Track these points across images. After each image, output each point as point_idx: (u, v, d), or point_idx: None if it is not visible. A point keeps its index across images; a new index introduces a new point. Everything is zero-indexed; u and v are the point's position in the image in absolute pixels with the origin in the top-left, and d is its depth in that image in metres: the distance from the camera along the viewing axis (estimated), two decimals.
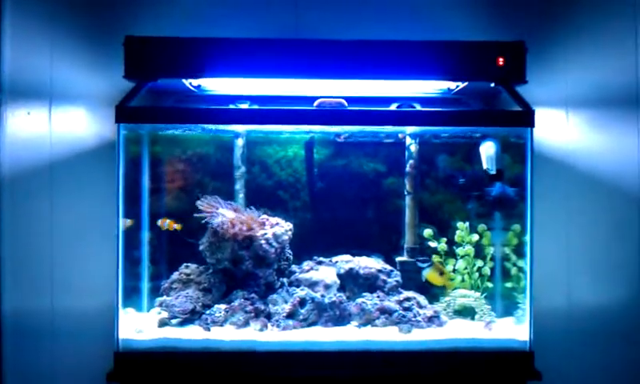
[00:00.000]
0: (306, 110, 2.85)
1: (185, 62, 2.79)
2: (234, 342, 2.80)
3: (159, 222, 3.16)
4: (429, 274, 3.19)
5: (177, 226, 3.15)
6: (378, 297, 3.07)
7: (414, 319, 2.96)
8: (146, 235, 3.20)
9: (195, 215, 3.07)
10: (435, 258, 3.24)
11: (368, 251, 3.31)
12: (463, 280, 3.21)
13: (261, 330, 2.89)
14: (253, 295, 3.02)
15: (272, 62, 2.81)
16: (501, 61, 2.80)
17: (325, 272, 3.19)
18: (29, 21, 3.22)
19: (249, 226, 3.05)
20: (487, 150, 3.04)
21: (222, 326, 2.91)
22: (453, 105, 3.23)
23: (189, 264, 3.19)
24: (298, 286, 3.11)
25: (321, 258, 3.29)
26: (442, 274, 3.20)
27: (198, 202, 3.09)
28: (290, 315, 2.94)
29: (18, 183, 3.21)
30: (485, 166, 3.04)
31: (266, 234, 3.09)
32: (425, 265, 3.20)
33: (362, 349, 2.79)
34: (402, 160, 3.37)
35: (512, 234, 3.15)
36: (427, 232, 3.29)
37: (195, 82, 3.00)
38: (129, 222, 2.99)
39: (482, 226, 3.22)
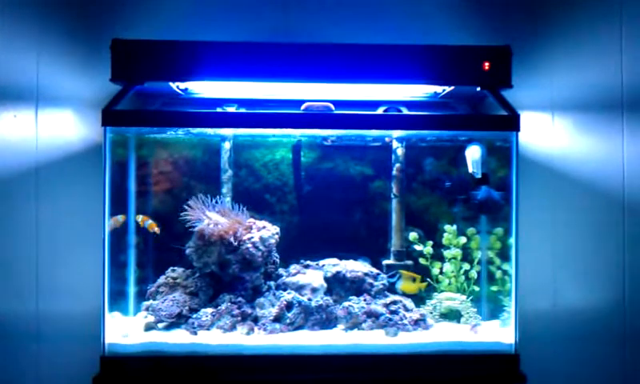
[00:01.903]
0: (293, 114, 2.85)
1: (172, 65, 2.79)
2: (220, 346, 2.79)
3: (140, 219, 3.14)
4: (402, 286, 3.20)
5: (156, 229, 3.13)
6: (365, 300, 3.08)
7: (400, 322, 2.97)
8: (132, 239, 3.19)
9: (182, 218, 3.07)
10: (403, 270, 3.28)
11: (355, 254, 3.32)
12: (450, 283, 3.22)
13: (248, 333, 2.88)
14: (240, 299, 3.02)
15: (259, 66, 2.81)
16: (487, 65, 2.82)
17: (312, 275, 3.19)
18: (15, 23, 3.20)
19: (234, 230, 3.05)
20: (473, 154, 3.05)
21: (208, 329, 2.90)
22: (439, 108, 3.24)
23: (175, 268, 3.19)
24: (285, 290, 3.11)
25: (308, 262, 3.29)
26: (414, 280, 3.21)
27: (185, 207, 3.09)
28: (277, 319, 2.94)
29: (3, 186, 3.19)
30: (470, 170, 3.06)
31: (252, 237, 3.09)
32: (394, 279, 3.21)
33: (348, 352, 2.80)
34: (389, 163, 3.38)
35: (496, 238, 3.17)
36: (413, 235, 3.30)
37: (182, 85, 3.00)
38: (121, 218, 2.99)
39: (471, 230, 3.23)
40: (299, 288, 3.13)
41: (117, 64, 2.76)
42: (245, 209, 3.18)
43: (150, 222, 3.14)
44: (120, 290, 3.09)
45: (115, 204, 2.86)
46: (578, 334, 3.36)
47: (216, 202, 3.14)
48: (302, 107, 2.96)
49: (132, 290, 3.17)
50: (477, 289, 3.21)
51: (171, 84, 2.94)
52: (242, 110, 3.15)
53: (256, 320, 2.97)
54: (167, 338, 2.85)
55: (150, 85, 2.84)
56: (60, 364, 3.22)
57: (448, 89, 3.01)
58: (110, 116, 2.73)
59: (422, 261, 3.28)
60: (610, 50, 3.37)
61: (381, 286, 3.17)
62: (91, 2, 3.25)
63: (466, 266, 3.23)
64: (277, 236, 3.17)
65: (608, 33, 3.37)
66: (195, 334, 2.87)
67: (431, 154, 3.38)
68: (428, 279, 3.25)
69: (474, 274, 3.21)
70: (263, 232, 3.13)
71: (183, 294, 3.05)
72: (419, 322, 3.00)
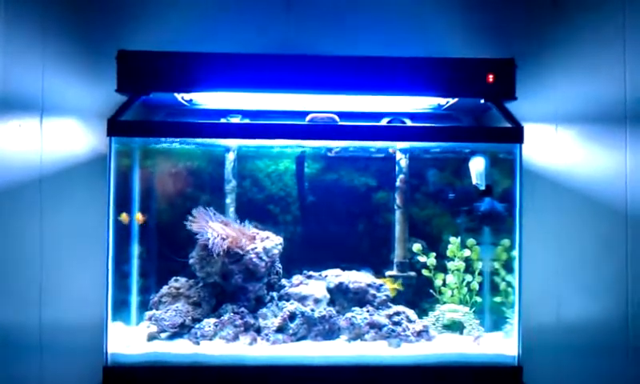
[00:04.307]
0: (297, 125, 2.86)
1: (177, 76, 2.81)
2: (223, 357, 2.79)
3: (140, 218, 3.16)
4: None
5: (139, 218, 3.15)
6: (368, 311, 3.08)
7: (403, 334, 2.97)
8: (135, 249, 3.19)
9: (186, 228, 3.08)
10: None
11: (358, 265, 3.32)
12: (452, 294, 3.22)
13: (250, 344, 2.88)
14: (242, 309, 3.02)
15: (264, 77, 2.83)
16: (491, 77, 2.83)
17: (314, 286, 3.19)
18: (20, 33, 3.22)
19: (237, 241, 3.05)
20: (477, 166, 3.06)
21: (211, 340, 2.91)
22: (443, 120, 3.25)
23: (178, 278, 3.19)
24: (287, 300, 3.12)
25: (311, 272, 3.30)
26: None
27: (189, 218, 3.09)
28: (280, 329, 2.94)
29: (7, 195, 3.20)
30: (474, 182, 3.06)
31: (256, 247, 3.09)
32: None
33: (351, 363, 2.80)
34: (393, 174, 3.39)
35: (501, 249, 3.17)
36: (416, 246, 3.31)
37: (187, 96, 3.01)
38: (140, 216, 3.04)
39: (471, 241, 3.23)
40: (302, 299, 3.13)
41: (122, 75, 2.79)
42: (248, 219, 3.19)
43: (141, 216, 3.15)
44: (123, 300, 3.10)
45: (119, 213, 2.87)
46: (581, 345, 3.35)
47: (214, 213, 3.14)
48: (307, 118, 2.98)
49: (135, 299, 3.18)
50: (479, 300, 3.21)
51: (176, 95, 2.95)
52: (246, 121, 3.16)
53: (259, 330, 2.97)
54: (170, 347, 2.85)
55: (155, 95, 2.85)
56: (63, 374, 3.21)
57: (452, 101, 3.02)
58: (116, 126, 2.74)
59: (425, 272, 3.28)
60: (614, 63, 3.38)
61: (384, 297, 3.17)
62: (97, 12, 3.27)
63: (469, 278, 3.22)
64: (280, 246, 3.17)
65: (611, 46, 3.38)
66: (198, 344, 2.87)
67: (435, 166, 3.38)
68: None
69: (475, 285, 3.21)
70: (266, 242, 3.13)
71: (186, 304, 3.06)
72: (422, 334, 3.00)
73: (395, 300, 3.21)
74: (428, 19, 3.37)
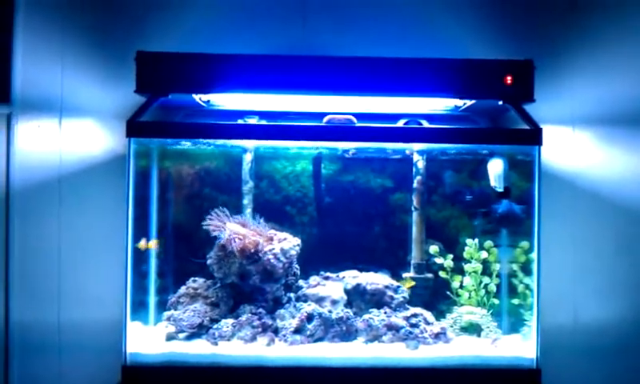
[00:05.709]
0: (314, 127, 2.87)
1: (195, 78, 2.82)
2: (241, 357, 2.80)
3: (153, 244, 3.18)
4: None
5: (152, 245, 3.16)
6: (385, 313, 3.07)
7: (420, 336, 2.96)
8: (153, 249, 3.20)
9: (204, 228, 3.08)
10: None
11: (375, 267, 3.32)
12: (470, 296, 3.21)
13: (268, 344, 2.89)
14: (260, 310, 3.02)
15: (281, 78, 2.83)
16: (509, 79, 2.82)
17: (332, 287, 3.19)
18: (40, 35, 3.25)
19: (254, 243, 3.05)
20: (495, 168, 3.05)
21: (229, 340, 2.91)
22: (460, 122, 3.24)
23: (196, 278, 3.20)
24: (305, 301, 3.12)
25: (328, 274, 3.30)
26: None
27: (207, 218, 3.10)
28: (298, 330, 2.94)
29: (27, 195, 3.23)
30: (492, 184, 3.05)
31: (273, 248, 3.09)
32: None
33: (368, 365, 2.80)
34: (410, 176, 3.38)
35: (520, 251, 3.15)
36: (433, 248, 3.30)
37: (205, 97, 3.02)
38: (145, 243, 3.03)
39: (488, 243, 3.22)
40: (319, 300, 3.13)
41: (141, 76, 2.79)
42: (266, 220, 3.20)
43: (150, 242, 3.16)
44: (141, 300, 3.11)
45: (138, 215, 2.88)
46: (598, 347, 3.34)
47: (237, 217, 3.15)
48: (325, 120, 2.97)
49: (152, 299, 3.19)
50: (496, 302, 3.19)
51: (194, 96, 2.96)
52: (264, 122, 3.16)
53: (276, 331, 2.98)
54: (188, 348, 2.86)
55: (173, 97, 2.86)
56: (81, 373, 3.24)
57: (469, 102, 3.01)
58: (135, 127, 2.76)
59: (442, 274, 3.27)
60: (632, 64, 3.36)
61: (401, 299, 3.16)
62: (116, 14, 3.29)
63: (486, 280, 3.21)
64: (297, 247, 3.16)
65: (629, 47, 3.37)
66: (216, 344, 2.88)
67: (452, 167, 3.38)
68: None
69: (493, 287, 3.19)
70: (284, 243, 3.13)
71: (204, 304, 3.06)
72: (440, 336, 2.99)
73: (412, 302, 3.20)
74: (443, 21, 3.36)
